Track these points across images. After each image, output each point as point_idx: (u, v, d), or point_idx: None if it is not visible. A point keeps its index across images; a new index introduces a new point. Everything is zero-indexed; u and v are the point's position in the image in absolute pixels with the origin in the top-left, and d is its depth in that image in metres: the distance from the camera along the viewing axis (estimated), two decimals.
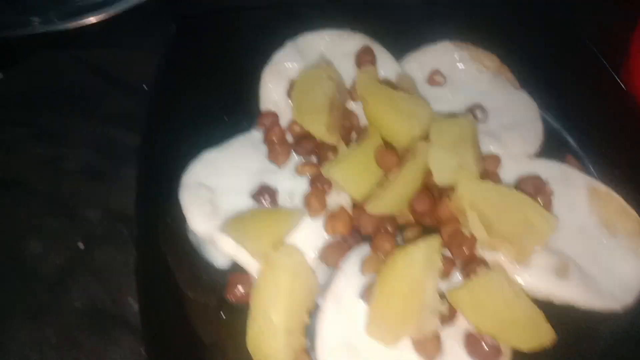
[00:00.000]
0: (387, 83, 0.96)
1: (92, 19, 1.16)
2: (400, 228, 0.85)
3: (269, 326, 0.73)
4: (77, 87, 1.10)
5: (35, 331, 0.81)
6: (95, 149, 1.00)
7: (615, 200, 0.89)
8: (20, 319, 0.82)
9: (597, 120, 1.01)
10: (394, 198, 0.81)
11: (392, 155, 0.83)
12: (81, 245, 0.89)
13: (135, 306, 0.84)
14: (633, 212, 0.87)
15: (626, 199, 0.88)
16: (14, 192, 0.95)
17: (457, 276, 0.80)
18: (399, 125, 0.86)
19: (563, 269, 0.81)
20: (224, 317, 0.82)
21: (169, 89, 0.98)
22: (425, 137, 0.86)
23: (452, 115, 0.96)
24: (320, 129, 0.86)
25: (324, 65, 0.95)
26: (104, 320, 0.84)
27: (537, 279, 0.80)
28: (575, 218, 0.88)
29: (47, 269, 0.86)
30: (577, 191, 0.90)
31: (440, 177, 0.82)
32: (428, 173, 0.84)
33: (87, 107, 1.06)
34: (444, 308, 0.73)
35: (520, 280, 0.80)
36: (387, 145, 0.88)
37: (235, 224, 0.79)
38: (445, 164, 0.82)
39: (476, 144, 0.87)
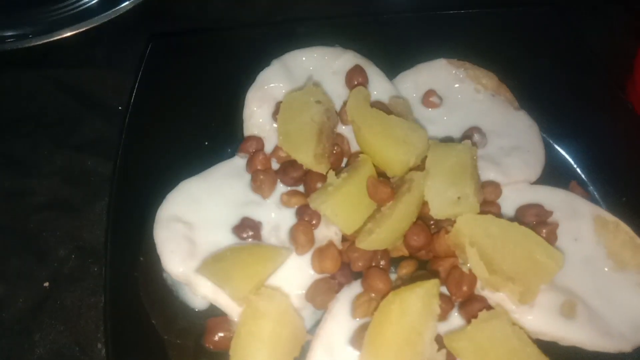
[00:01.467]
0: (380, 105, 0.90)
1: (66, 34, 1.09)
2: (394, 262, 0.80)
3: None
4: (51, 111, 1.04)
5: None
6: (66, 180, 0.95)
7: (623, 231, 0.84)
8: None
9: (603, 143, 0.96)
10: (387, 233, 0.76)
11: (385, 187, 0.77)
12: (47, 286, 0.82)
13: (104, 352, 0.78)
14: None
15: (635, 230, 0.83)
16: None
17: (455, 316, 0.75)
18: (392, 153, 0.81)
19: (569, 307, 0.76)
20: None
21: (144, 112, 0.92)
22: (421, 166, 0.81)
23: (449, 141, 0.91)
24: (308, 158, 0.80)
25: (312, 87, 0.90)
26: None
27: (542, 320, 0.75)
28: (581, 250, 0.83)
29: (9, 314, 0.79)
30: (582, 221, 0.85)
31: (438, 211, 0.77)
32: (424, 204, 0.79)
33: (60, 132, 1.01)
34: (442, 356, 0.68)
35: (523, 322, 0.74)
36: (380, 174, 0.83)
37: (214, 266, 0.73)
38: (442, 196, 0.77)
39: (475, 173, 0.81)
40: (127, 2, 1.13)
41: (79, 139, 1.01)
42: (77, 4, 1.21)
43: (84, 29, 1.11)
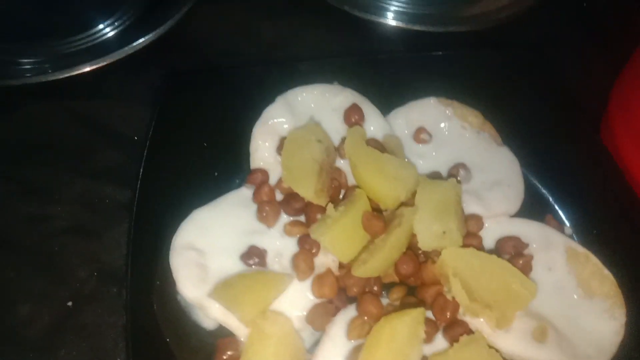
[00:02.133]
0: (375, 143, 0.98)
1: (86, 68, 1.16)
2: (386, 287, 0.88)
3: None
4: (68, 140, 1.10)
5: None
6: (85, 206, 1.01)
7: (592, 262, 0.91)
8: None
9: (577, 180, 1.03)
10: (380, 262, 0.83)
11: (378, 221, 0.85)
12: (70, 305, 0.89)
13: None
14: (609, 275, 0.89)
15: (603, 261, 0.90)
16: (2, 252, 0.95)
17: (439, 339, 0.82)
18: (385, 189, 0.88)
19: (541, 332, 0.83)
20: None
21: (160, 145, 0.99)
22: (411, 200, 0.89)
23: (437, 175, 0.99)
24: (309, 193, 0.88)
25: (313, 126, 0.97)
26: None
27: (515, 343, 0.82)
28: (553, 279, 0.90)
29: (35, 331, 0.86)
30: (555, 252, 0.92)
31: (425, 243, 0.84)
32: (413, 236, 0.86)
33: (78, 161, 1.06)
34: None
35: (499, 345, 0.82)
36: (374, 207, 0.90)
37: (223, 291, 0.80)
38: (429, 230, 0.85)
39: (459, 209, 0.89)
40: (143, 39, 1.19)
41: (95, 166, 1.07)
42: (94, 37, 1.28)
43: (102, 63, 1.16)
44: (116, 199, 1.02)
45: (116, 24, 1.31)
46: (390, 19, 1.31)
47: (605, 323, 0.86)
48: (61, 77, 1.12)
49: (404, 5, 1.35)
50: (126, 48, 1.17)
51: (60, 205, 1.01)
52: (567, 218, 1.02)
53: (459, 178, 0.98)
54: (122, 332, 0.87)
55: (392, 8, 1.34)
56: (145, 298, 0.85)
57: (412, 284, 0.89)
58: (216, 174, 1.02)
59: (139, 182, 0.91)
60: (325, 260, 0.89)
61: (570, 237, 0.98)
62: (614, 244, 0.94)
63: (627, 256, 0.92)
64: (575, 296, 0.89)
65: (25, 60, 1.23)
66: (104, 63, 1.15)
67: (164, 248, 0.87)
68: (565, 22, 1.40)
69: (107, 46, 1.23)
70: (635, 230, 0.96)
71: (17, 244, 0.96)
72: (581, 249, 0.93)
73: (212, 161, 1.02)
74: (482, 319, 0.83)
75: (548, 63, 1.17)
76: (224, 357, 0.81)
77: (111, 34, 1.29)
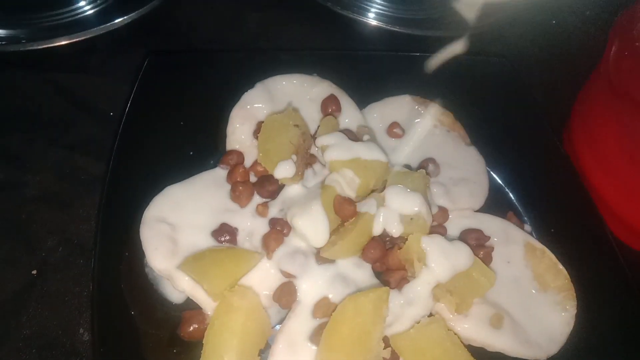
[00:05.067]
0: (348, 133, 1.01)
1: (63, 42, 1.16)
2: None
3: None
4: (46, 111, 1.09)
5: None
6: (58, 177, 1.00)
7: (548, 258, 0.96)
8: None
9: (537, 181, 1.09)
10: (347, 246, 0.85)
11: (350, 205, 0.88)
12: (34, 273, 0.88)
13: (86, 337, 0.85)
14: (563, 270, 0.94)
15: (558, 257, 0.95)
16: None
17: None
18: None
19: (497, 319, 0.87)
20: (176, 352, 0.83)
21: (137, 121, 0.99)
22: (381, 189, 0.92)
23: (406, 169, 1.03)
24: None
25: (291, 111, 1.00)
26: (54, 349, 0.83)
27: (473, 328, 0.86)
28: (511, 272, 0.94)
29: None
30: (514, 247, 0.97)
31: (392, 228, 0.87)
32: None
33: (54, 132, 1.06)
34: (387, 353, 0.78)
35: (458, 329, 0.85)
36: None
37: (193, 264, 0.81)
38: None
39: (427, 199, 0.93)
40: (122, 17, 1.20)
41: (72, 139, 1.06)
42: (74, 13, 1.26)
43: (79, 38, 1.17)
44: (90, 172, 1.02)
45: (98, 1, 1.30)
46: (372, 19, 1.35)
47: (557, 314, 0.91)
48: (36, 47, 1.11)
49: (385, 7, 1.40)
50: (105, 25, 1.18)
51: (33, 174, 1.00)
52: (527, 216, 1.07)
53: (427, 171, 1.02)
54: (86, 301, 0.86)
55: (374, 9, 1.39)
56: (112, 268, 0.85)
57: (378, 270, 0.91)
58: (192, 153, 1.03)
59: (112, 153, 0.91)
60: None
61: (530, 233, 1.03)
62: (569, 242, 0.99)
63: (581, 253, 0.97)
64: (530, 288, 0.93)
65: (2, 33, 1.21)
66: (80, 38, 1.16)
67: (134, 222, 0.88)
68: (534, 37, 1.47)
69: (86, 23, 1.23)
70: (590, 230, 1.01)
71: None
72: (538, 245, 0.98)
73: (188, 141, 1.03)
74: (442, 304, 0.86)
75: (516, 72, 1.23)
76: (190, 329, 0.81)
77: (91, 11, 1.29)
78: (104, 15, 1.26)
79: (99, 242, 0.85)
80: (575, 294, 0.92)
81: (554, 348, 0.88)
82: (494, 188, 1.06)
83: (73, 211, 0.97)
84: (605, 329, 0.90)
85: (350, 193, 0.91)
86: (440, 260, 0.84)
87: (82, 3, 1.29)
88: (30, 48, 1.14)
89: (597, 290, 0.93)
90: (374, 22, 1.35)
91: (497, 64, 1.23)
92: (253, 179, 0.97)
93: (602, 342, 0.89)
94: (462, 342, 0.81)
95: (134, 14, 1.23)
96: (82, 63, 1.19)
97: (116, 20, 1.22)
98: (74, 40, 1.17)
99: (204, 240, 0.88)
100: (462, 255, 0.85)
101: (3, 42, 1.17)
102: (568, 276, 0.94)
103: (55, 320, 0.85)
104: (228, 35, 1.33)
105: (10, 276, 0.89)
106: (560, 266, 0.95)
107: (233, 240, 0.89)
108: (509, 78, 1.22)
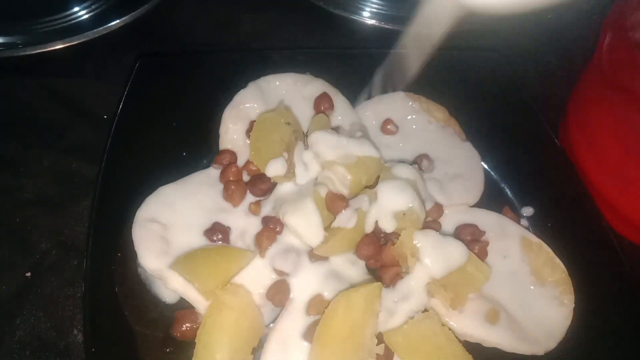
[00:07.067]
0: (341, 130, 1.01)
1: (58, 46, 1.17)
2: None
3: None
4: (40, 115, 1.10)
5: None
6: (53, 180, 1.01)
7: (545, 252, 0.95)
8: None
9: (533, 175, 1.09)
10: (341, 242, 0.85)
11: (341, 202, 0.87)
12: (28, 276, 0.88)
13: (80, 338, 0.85)
14: (560, 264, 0.93)
15: (555, 251, 0.95)
16: None
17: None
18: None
19: (493, 314, 0.86)
20: (169, 352, 0.82)
21: (129, 122, 1.00)
22: (374, 185, 0.92)
23: (398, 164, 1.02)
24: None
25: (283, 109, 1.00)
26: (47, 351, 0.83)
27: (469, 323, 0.85)
28: (508, 266, 0.94)
29: None
30: (511, 241, 0.96)
31: (385, 223, 0.87)
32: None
33: (49, 136, 1.07)
34: (381, 349, 0.77)
35: (453, 324, 0.85)
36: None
37: (185, 262, 0.81)
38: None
39: (420, 194, 0.92)
40: (117, 21, 1.22)
41: (67, 143, 1.07)
42: (69, 18, 1.29)
43: (74, 42, 1.18)
44: (83, 175, 1.03)
45: (92, 7, 1.31)
46: (366, 18, 1.35)
47: (555, 309, 0.90)
48: (32, 52, 1.13)
49: (378, 5, 1.40)
50: (100, 29, 1.20)
51: (27, 178, 1.01)
52: (523, 211, 1.06)
53: (422, 167, 1.01)
54: (80, 303, 0.86)
55: (368, 8, 1.39)
56: (105, 269, 0.85)
57: (373, 266, 0.91)
58: (184, 154, 1.04)
59: (104, 154, 0.91)
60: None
61: (526, 228, 1.02)
62: (566, 236, 0.99)
63: (578, 247, 0.96)
64: (527, 283, 0.93)
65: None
66: (75, 42, 1.17)
67: (127, 222, 0.88)
68: (529, 31, 1.46)
69: (80, 27, 1.25)
70: (587, 223, 1.00)
71: None
72: (535, 239, 0.97)
73: (181, 141, 1.04)
74: (436, 300, 0.85)
75: (511, 67, 1.22)
76: (183, 329, 0.81)
77: (86, 16, 1.31)
78: (98, 19, 1.28)
79: (91, 243, 0.84)
80: (573, 288, 0.91)
81: (552, 343, 0.87)
82: (489, 183, 1.06)
83: (68, 214, 0.98)
84: (604, 323, 0.89)
85: (343, 190, 0.91)
86: (434, 255, 0.84)
87: (76, 8, 1.31)
88: (27, 53, 1.16)
89: (596, 284, 0.92)
90: (368, 21, 1.35)
91: (491, 58, 1.23)
92: (246, 178, 0.97)
93: (601, 336, 0.88)
94: (457, 337, 0.80)
95: (127, 17, 1.25)
96: (77, 67, 1.20)
97: (110, 24, 1.23)
98: (69, 44, 1.18)
99: (196, 240, 0.88)
100: (456, 251, 0.84)
101: (1, 48, 1.18)
102: (565, 270, 0.93)
103: (50, 322, 0.86)
104: (222, 37, 1.34)
105: (5, 279, 0.89)
106: (558, 260, 0.94)
107: (226, 239, 0.89)
108: (504, 72, 1.21)
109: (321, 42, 1.35)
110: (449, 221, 0.97)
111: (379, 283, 0.80)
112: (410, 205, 0.88)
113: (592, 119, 1.13)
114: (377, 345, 0.77)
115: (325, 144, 0.94)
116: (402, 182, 0.90)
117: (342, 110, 1.07)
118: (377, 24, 1.35)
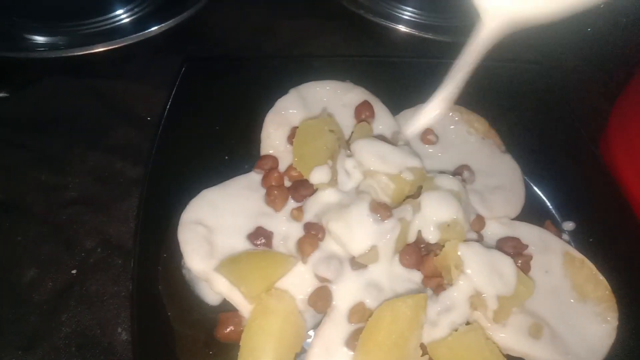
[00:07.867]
0: (382, 139, 1.01)
1: (99, 49, 1.19)
2: None
3: None
4: (85, 116, 1.12)
5: (24, 356, 0.81)
6: (97, 179, 1.02)
7: (587, 267, 0.94)
8: (11, 346, 0.83)
9: (574, 189, 1.07)
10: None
11: (385, 210, 0.87)
12: (74, 273, 0.90)
13: (124, 336, 0.86)
14: (603, 280, 0.92)
15: (598, 267, 0.93)
16: (13, 217, 0.96)
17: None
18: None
19: (536, 329, 0.86)
20: (212, 354, 0.83)
21: (174, 125, 1.01)
22: (416, 195, 0.92)
23: (442, 175, 1.02)
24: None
25: (327, 117, 1.00)
26: (92, 348, 0.85)
27: (512, 338, 0.84)
28: (550, 281, 0.93)
29: (38, 295, 0.87)
30: (553, 256, 0.95)
31: (429, 235, 0.87)
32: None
33: (93, 136, 1.08)
34: None
35: (496, 338, 0.84)
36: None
37: (230, 266, 0.82)
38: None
39: (463, 205, 0.92)
40: (157, 27, 1.24)
41: (109, 142, 1.09)
42: (110, 21, 1.31)
43: (115, 46, 1.20)
44: (127, 175, 1.04)
45: (135, 10, 1.34)
46: (404, 26, 1.35)
47: (598, 326, 0.89)
48: (74, 54, 1.15)
49: (417, 14, 1.40)
50: (140, 34, 1.21)
51: (72, 177, 1.03)
52: (564, 225, 1.05)
53: (463, 178, 1.01)
54: (124, 301, 0.88)
55: (406, 17, 1.39)
56: (150, 269, 0.86)
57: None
58: (226, 157, 1.04)
59: (151, 157, 0.93)
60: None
61: (568, 242, 1.00)
62: (609, 252, 0.97)
63: (621, 263, 0.95)
64: (570, 298, 0.91)
65: (41, 38, 1.26)
66: (116, 46, 1.19)
67: (172, 224, 0.89)
68: (569, 44, 1.45)
69: (122, 30, 1.27)
70: (629, 239, 0.99)
71: (27, 210, 0.97)
72: (577, 255, 0.96)
73: (223, 145, 1.05)
74: (480, 313, 0.85)
75: (552, 79, 1.21)
76: (226, 331, 0.82)
77: (127, 20, 1.33)
78: (140, 23, 1.30)
79: (138, 244, 0.86)
80: (616, 305, 0.90)
81: None
82: (530, 196, 1.05)
83: (111, 213, 0.99)
84: None
85: (385, 198, 0.91)
86: (478, 267, 0.83)
87: (119, 12, 1.34)
88: (69, 54, 1.18)
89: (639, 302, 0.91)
90: (405, 30, 1.35)
91: (532, 70, 1.22)
92: (287, 184, 0.97)
93: None
94: (501, 351, 0.80)
95: (170, 22, 1.26)
96: (119, 70, 1.22)
97: (152, 29, 1.25)
98: (110, 47, 1.20)
99: (239, 243, 0.88)
100: (503, 265, 0.84)
101: (44, 49, 1.21)
102: (609, 287, 0.92)
103: (94, 319, 0.87)
104: (261, 43, 1.35)
105: (51, 274, 0.90)
106: (601, 276, 0.93)
107: (268, 243, 0.89)
108: (544, 85, 1.20)
109: (359, 49, 1.35)
110: (491, 233, 0.97)
111: (425, 294, 0.80)
112: (455, 217, 0.87)
113: (635, 134, 1.11)
114: (421, 356, 0.77)
115: (368, 153, 0.94)
116: (447, 194, 0.90)
117: (382, 119, 1.07)
118: (415, 32, 1.35)
